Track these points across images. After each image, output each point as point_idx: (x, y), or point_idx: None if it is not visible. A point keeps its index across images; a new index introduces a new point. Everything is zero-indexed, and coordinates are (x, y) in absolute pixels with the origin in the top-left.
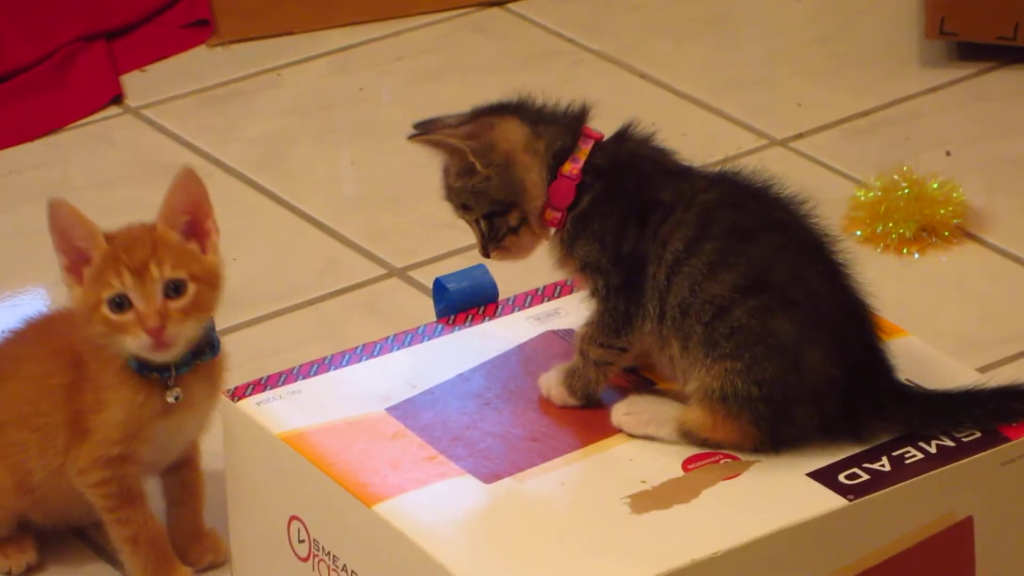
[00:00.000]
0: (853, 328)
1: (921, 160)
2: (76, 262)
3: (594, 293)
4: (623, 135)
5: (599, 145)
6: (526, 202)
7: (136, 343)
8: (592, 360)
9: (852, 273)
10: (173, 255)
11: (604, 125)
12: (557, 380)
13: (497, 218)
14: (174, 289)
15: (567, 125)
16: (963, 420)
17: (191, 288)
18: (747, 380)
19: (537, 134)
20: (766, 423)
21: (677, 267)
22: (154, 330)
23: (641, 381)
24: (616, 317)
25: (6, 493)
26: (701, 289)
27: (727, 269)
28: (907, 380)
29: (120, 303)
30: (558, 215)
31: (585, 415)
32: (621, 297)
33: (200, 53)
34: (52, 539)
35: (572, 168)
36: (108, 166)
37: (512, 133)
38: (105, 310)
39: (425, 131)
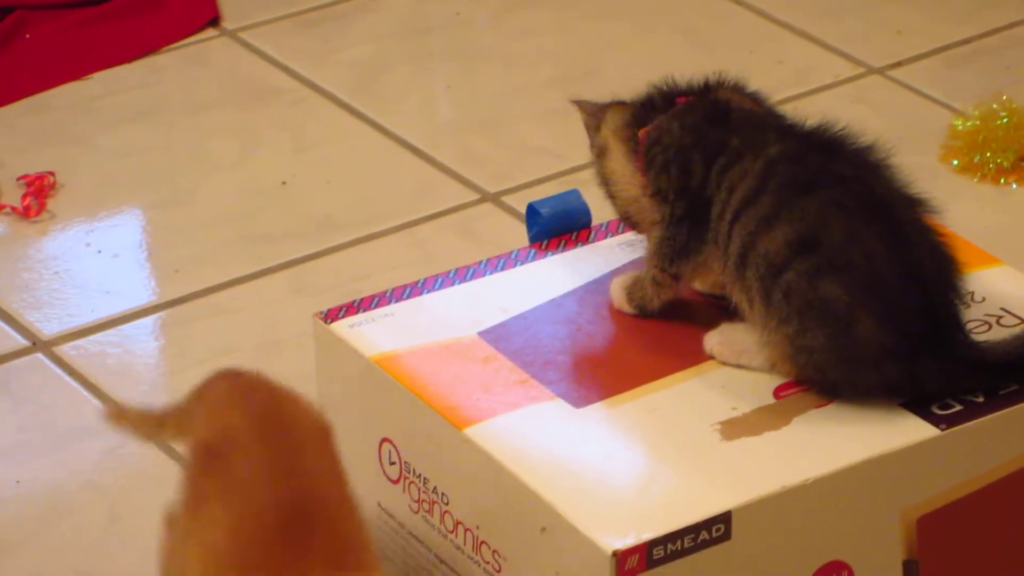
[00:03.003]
0: (915, 295)
1: (1021, 90)
2: None
3: (660, 220)
4: (706, 88)
5: (683, 103)
6: (614, 188)
7: None
8: (651, 276)
9: (928, 230)
10: None
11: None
12: (621, 284)
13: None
14: None
15: (664, 99)
16: None
17: None
18: (797, 347)
19: (636, 120)
20: (820, 387)
21: (737, 217)
22: None
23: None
24: (674, 247)
25: None
26: (756, 242)
27: (780, 223)
28: (1002, 311)
29: None
30: (642, 169)
31: (677, 342)
32: (683, 228)
33: None
34: None
35: (644, 131)
36: (204, 89)
37: (613, 119)
38: None
39: (584, 105)
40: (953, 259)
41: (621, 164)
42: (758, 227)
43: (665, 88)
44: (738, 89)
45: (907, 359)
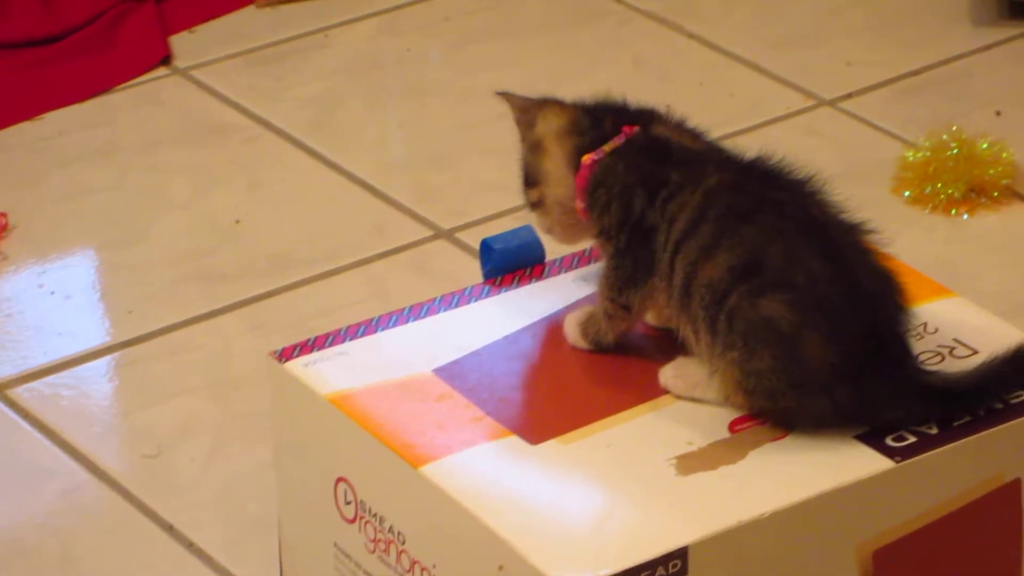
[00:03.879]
0: (861, 313)
1: (971, 120)
2: None
3: (609, 253)
4: (652, 117)
5: (625, 141)
6: (545, 186)
7: None
8: (603, 310)
9: (872, 254)
10: None
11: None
12: (575, 320)
13: (526, 188)
14: None
15: (613, 125)
16: (981, 408)
17: None
18: (746, 372)
19: (578, 129)
20: (770, 416)
21: (678, 248)
22: None
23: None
24: (621, 277)
25: None
26: (698, 271)
27: (721, 251)
28: (955, 341)
29: None
30: (583, 205)
31: (632, 376)
32: (628, 259)
33: (248, 14)
34: None
35: (590, 157)
36: (157, 128)
37: (552, 120)
38: None
39: (513, 99)
40: (895, 280)
41: (558, 168)
42: (699, 256)
43: (615, 111)
44: (679, 126)
45: (857, 381)
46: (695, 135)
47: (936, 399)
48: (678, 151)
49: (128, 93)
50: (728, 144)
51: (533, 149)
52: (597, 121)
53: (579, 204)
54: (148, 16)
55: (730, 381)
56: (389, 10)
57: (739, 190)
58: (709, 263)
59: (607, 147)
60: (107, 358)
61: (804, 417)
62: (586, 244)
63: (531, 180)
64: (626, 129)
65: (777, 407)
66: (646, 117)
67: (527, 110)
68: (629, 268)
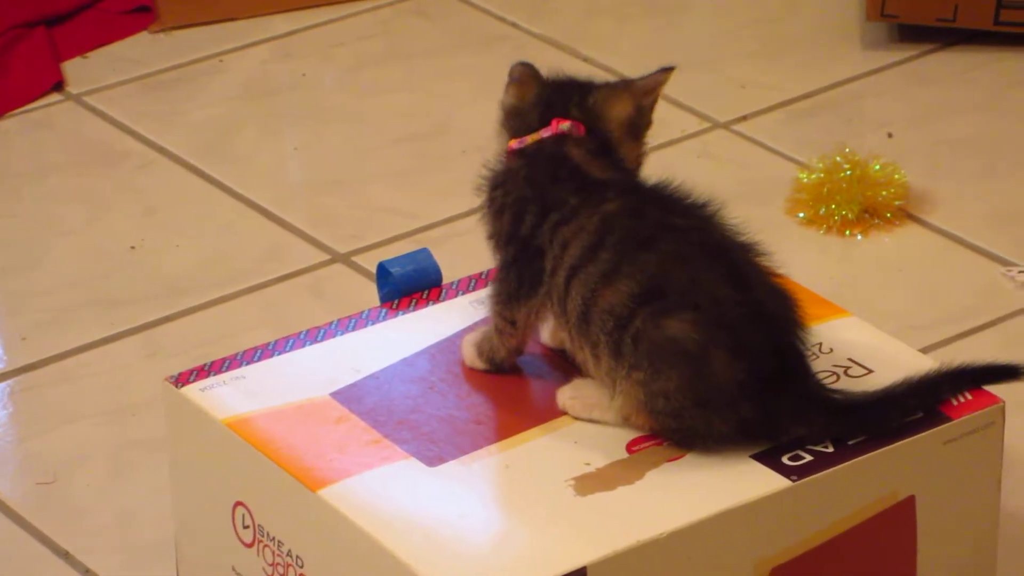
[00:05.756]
0: (764, 331)
1: (863, 142)
2: None
3: (497, 263)
4: (564, 136)
5: (552, 136)
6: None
7: None
8: (493, 325)
9: (769, 274)
10: None
11: None
12: (471, 341)
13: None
14: None
15: (541, 117)
16: (882, 428)
17: None
18: (651, 392)
19: (521, 110)
20: (675, 435)
21: (574, 273)
22: None
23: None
24: (507, 290)
25: None
26: (598, 298)
27: (621, 278)
28: (850, 361)
29: None
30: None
31: (530, 398)
32: (512, 273)
33: (142, 39)
34: None
35: (512, 144)
36: (50, 153)
37: (511, 93)
38: None
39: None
40: (793, 299)
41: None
42: (599, 283)
43: (566, 92)
44: (590, 148)
45: (762, 398)
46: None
47: (839, 417)
48: (580, 175)
49: (20, 119)
50: None
51: (503, 117)
52: (541, 104)
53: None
54: (40, 42)
55: (634, 402)
56: (283, 35)
57: (638, 216)
58: (609, 290)
59: (530, 138)
60: (0, 385)
61: (709, 435)
62: (479, 258)
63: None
64: (555, 121)
65: (683, 426)
66: (581, 110)
67: (513, 79)
68: (514, 283)
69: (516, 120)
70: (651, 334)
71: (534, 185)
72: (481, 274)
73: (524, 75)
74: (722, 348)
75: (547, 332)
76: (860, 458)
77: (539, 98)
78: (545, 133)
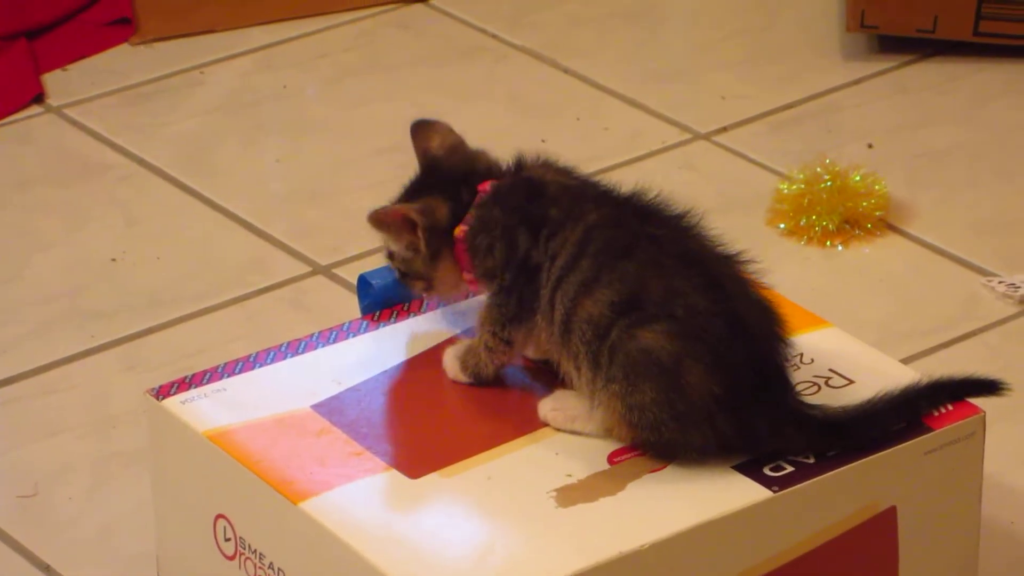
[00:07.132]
0: (742, 344)
1: (843, 153)
2: None
3: (492, 291)
4: (518, 167)
5: (493, 187)
6: (431, 279)
7: None
8: (483, 343)
9: (750, 285)
10: None
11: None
12: (454, 354)
13: (408, 281)
14: None
15: (468, 192)
16: (861, 444)
17: None
18: (628, 405)
19: (438, 219)
20: (654, 448)
21: (558, 284)
22: None
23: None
24: (505, 313)
25: None
26: (578, 307)
27: (600, 287)
28: (831, 371)
29: None
30: (470, 275)
31: (511, 409)
32: (512, 296)
33: (122, 52)
34: None
35: (461, 229)
36: (30, 166)
37: (440, 218)
38: None
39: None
40: (774, 311)
41: (440, 260)
42: (578, 292)
43: (465, 176)
44: (548, 165)
45: (739, 411)
46: (567, 172)
47: (817, 433)
48: (553, 188)
49: (0, 132)
50: (604, 178)
51: (408, 254)
52: (455, 195)
53: (467, 276)
54: (20, 54)
55: (613, 414)
56: (265, 47)
57: (617, 226)
58: (589, 299)
59: (472, 210)
60: None
61: (687, 448)
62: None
63: (414, 276)
64: (480, 187)
65: (660, 439)
66: (513, 167)
67: (387, 224)
68: (514, 305)
69: (439, 231)
70: (626, 345)
71: (514, 212)
72: None
73: (396, 210)
74: (697, 360)
75: (530, 344)
76: (841, 469)
77: (447, 187)
78: (482, 197)
